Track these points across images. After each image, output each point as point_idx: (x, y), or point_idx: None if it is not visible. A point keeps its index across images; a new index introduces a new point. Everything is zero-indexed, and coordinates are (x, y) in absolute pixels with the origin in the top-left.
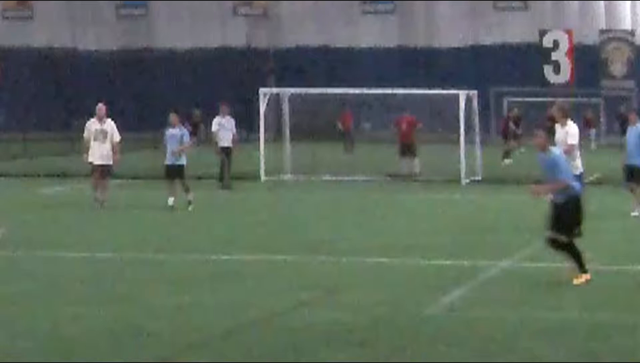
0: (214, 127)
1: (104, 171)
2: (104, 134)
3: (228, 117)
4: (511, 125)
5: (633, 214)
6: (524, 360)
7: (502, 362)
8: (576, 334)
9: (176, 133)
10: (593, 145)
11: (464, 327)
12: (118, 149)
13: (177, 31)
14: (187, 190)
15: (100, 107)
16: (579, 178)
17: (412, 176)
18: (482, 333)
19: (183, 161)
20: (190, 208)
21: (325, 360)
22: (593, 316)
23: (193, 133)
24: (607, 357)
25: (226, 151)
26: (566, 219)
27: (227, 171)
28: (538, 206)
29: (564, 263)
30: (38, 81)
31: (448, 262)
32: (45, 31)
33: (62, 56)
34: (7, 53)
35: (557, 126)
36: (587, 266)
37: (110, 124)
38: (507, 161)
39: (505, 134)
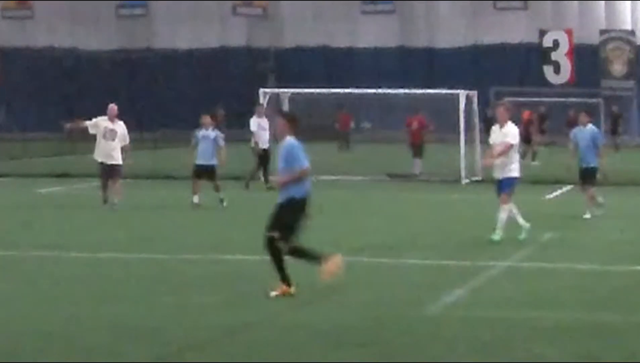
0: (253, 128)
1: (112, 172)
2: (113, 133)
3: (265, 117)
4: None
5: (585, 216)
6: (524, 360)
7: (502, 362)
8: (576, 334)
9: (209, 135)
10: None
11: (464, 327)
12: (129, 153)
13: (177, 31)
14: (217, 189)
15: (112, 107)
16: (509, 183)
17: (413, 176)
18: (482, 333)
19: (214, 161)
20: (225, 204)
21: (325, 360)
22: (593, 316)
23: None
24: (607, 357)
25: (266, 152)
26: (286, 221)
27: (265, 172)
28: (538, 206)
29: (559, 264)
30: (38, 81)
31: (448, 262)
32: (45, 31)
33: (62, 55)
34: (7, 53)
35: (496, 127)
36: (291, 281)
37: (121, 126)
38: (534, 163)
39: (528, 137)
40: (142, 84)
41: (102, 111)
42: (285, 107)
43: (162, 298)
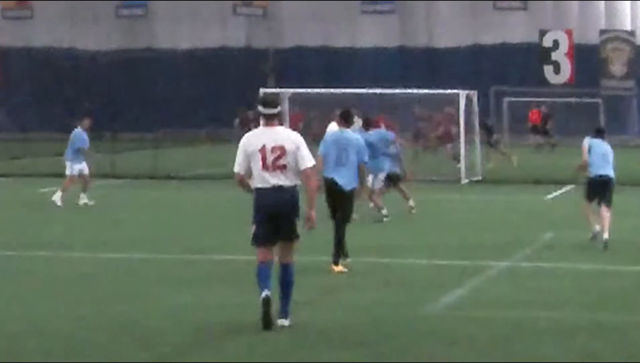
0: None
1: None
2: None
3: (356, 118)
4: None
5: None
6: (524, 360)
7: (502, 362)
8: (576, 334)
9: None
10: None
11: (464, 326)
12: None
13: (177, 31)
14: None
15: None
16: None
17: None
18: (482, 333)
19: None
20: None
21: (325, 360)
22: (593, 316)
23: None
24: (607, 357)
25: None
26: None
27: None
28: (538, 206)
29: (559, 264)
30: (38, 81)
31: (448, 262)
32: (45, 31)
33: (62, 55)
34: (7, 53)
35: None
36: None
37: None
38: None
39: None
40: (142, 84)
41: (102, 111)
42: (286, 107)
43: (162, 298)
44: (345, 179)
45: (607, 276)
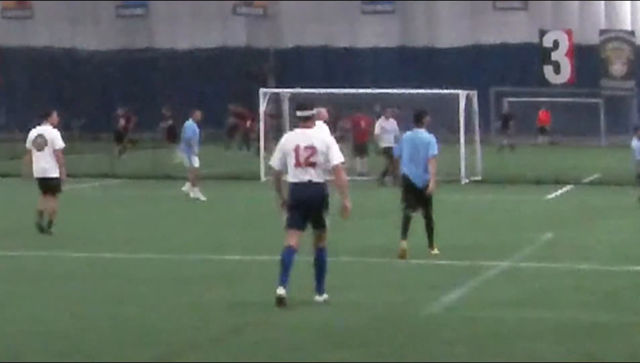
0: (377, 131)
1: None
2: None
3: (391, 119)
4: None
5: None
6: (524, 360)
7: (502, 362)
8: (576, 334)
9: None
10: (505, 141)
11: (464, 326)
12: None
13: (177, 31)
14: None
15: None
16: None
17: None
18: (482, 333)
19: None
20: None
21: (325, 360)
22: (593, 316)
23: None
24: (607, 357)
25: (387, 150)
26: None
27: (392, 170)
28: (538, 206)
29: (559, 264)
30: (38, 81)
31: (448, 262)
32: (45, 31)
33: (61, 56)
34: (7, 53)
35: None
36: None
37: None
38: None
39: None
40: (142, 84)
41: (102, 111)
42: (286, 107)
43: (162, 298)
44: (418, 175)
45: (607, 276)
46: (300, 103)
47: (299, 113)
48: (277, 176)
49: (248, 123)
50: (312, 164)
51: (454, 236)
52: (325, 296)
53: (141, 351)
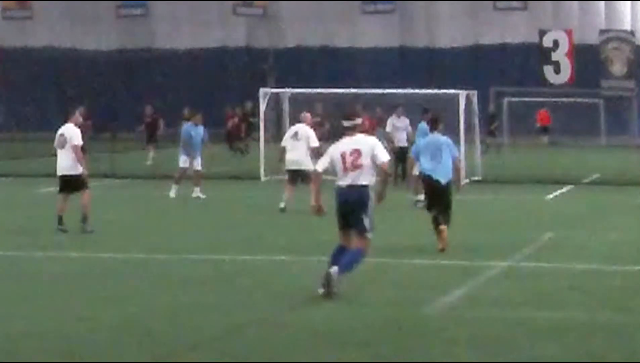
0: (389, 128)
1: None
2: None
3: (403, 117)
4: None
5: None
6: (524, 360)
7: (502, 362)
8: (576, 334)
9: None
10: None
11: (464, 326)
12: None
13: (177, 31)
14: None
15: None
16: None
17: None
18: (482, 333)
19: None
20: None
21: (326, 360)
22: (593, 316)
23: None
24: (607, 357)
25: (402, 150)
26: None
27: (404, 170)
28: (538, 206)
29: (559, 264)
30: (38, 81)
31: (448, 262)
32: (45, 31)
33: (62, 55)
34: (7, 53)
35: None
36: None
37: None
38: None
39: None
40: (142, 84)
41: (102, 111)
42: (286, 107)
43: (162, 298)
44: (441, 172)
45: (607, 276)
46: (345, 114)
47: (345, 123)
48: (317, 176)
49: (229, 123)
50: (359, 166)
51: (454, 236)
52: (337, 273)
53: (141, 351)
